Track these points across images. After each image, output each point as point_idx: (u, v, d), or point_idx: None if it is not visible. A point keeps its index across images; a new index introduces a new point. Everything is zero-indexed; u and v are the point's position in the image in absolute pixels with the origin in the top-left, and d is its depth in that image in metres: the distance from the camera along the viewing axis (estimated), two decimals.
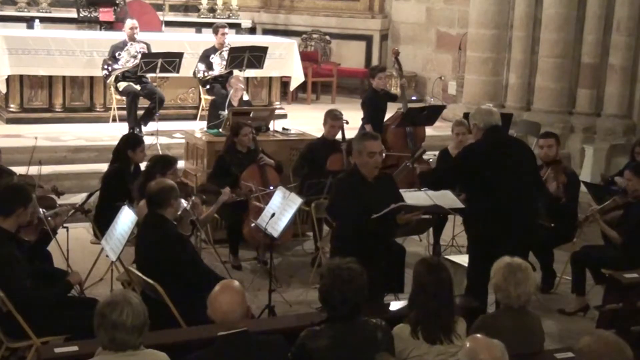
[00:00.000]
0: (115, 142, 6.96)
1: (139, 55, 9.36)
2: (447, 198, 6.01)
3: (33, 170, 6.63)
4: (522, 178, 5.56)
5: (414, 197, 5.91)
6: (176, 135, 9.38)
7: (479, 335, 3.40)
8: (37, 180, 6.46)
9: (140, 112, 9.44)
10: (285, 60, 10.97)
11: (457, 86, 12.16)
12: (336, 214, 5.74)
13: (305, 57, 12.23)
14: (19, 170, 6.60)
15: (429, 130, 9.11)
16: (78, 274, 5.11)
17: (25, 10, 11.45)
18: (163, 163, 6.22)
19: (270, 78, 10.96)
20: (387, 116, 9.09)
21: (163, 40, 10.41)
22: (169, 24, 12.17)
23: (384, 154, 8.01)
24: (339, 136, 7.68)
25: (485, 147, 5.52)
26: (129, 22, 9.74)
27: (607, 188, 7.28)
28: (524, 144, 6.26)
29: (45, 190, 6.60)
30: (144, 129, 9.28)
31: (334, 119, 7.57)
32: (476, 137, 5.63)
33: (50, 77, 9.83)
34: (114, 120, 9.85)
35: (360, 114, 8.90)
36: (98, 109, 10.13)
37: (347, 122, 7.90)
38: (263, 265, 6.93)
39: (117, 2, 11.91)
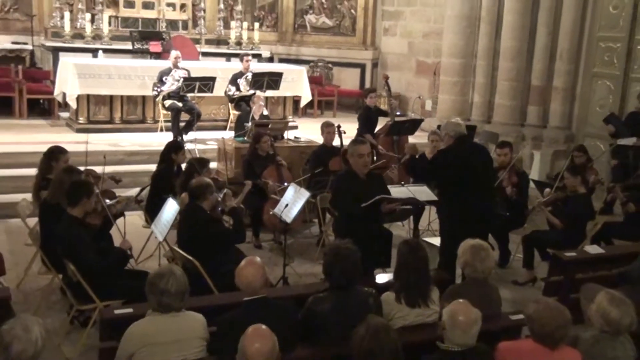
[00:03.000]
0: (163, 148, 6.96)
1: (181, 79, 9.36)
2: (424, 192, 6.00)
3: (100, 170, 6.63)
4: (483, 176, 5.55)
5: (397, 191, 5.91)
6: (210, 142, 9.39)
7: (462, 300, 3.40)
8: (102, 174, 6.47)
9: (182, 124, 9.43)
10: (296, 83, 10.95)
11: (432, 104, 12.14)
12: (336, 205, 5.75)
13: (312, 80, 12.21)
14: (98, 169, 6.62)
15: (410, 139, 9.09)
16: (128, 241, 5.08)
17: (91, 43, 11.45)
18: (199, 164, 6.23)
19: (285, 97, 10.95)
20: (379, 127, 9.11)
21: (200, 67, 10.38)
22: (205, 54, 12.16)
23: (375, 157, 8.13)
24: (337, 143, 7.67)
25: (454, 151, 5.51)
26: (174, 53, 9.74)
27: (550, 184, 7.27)
28: (485, 149, 6.24)
29: (105, 179, 6.58)
30: (185, 137, 9.28)
31: (327, 127, 7.64)
32: (447, 143, 5.60)
33: (111, 96, 9.83)
34: (161, 130, 9.84)
35: (355, 126, 8.92)
36: (149, 122, 10.13)
37: (344, 132, 7.89)
38: (279, 245, 6.93)
39: (164, 37, 11.91)
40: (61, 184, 5.18)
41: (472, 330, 3.23)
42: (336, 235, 5.60)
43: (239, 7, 13.11)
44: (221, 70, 10.30)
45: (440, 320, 3.37)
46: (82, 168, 6.03)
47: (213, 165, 7.86)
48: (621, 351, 3.51)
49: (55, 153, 6.05)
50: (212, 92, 9.50)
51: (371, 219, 5.38)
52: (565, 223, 6.21)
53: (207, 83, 9.31)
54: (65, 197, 4.87)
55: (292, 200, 5.73)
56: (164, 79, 9.48)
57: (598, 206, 7.20)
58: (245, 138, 8.17)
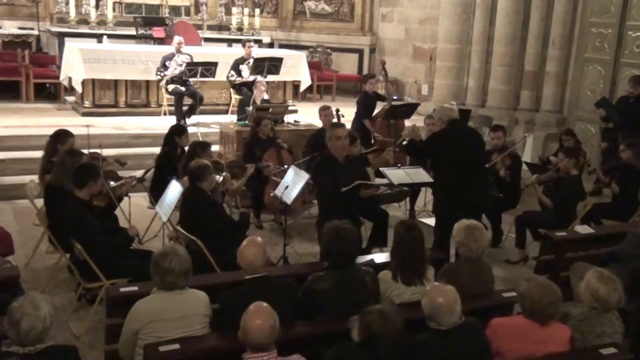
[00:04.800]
0: (166, 131, 6.93)
1: (184, 64, 9.31)
2: (419, 174, 6.01)
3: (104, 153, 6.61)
4: (476, 158, 5.54)
5: (394, 173, 5.91)
6: (213, 125, 9.36)
7: (436, 283, 3.41)
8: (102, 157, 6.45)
9: (184, 108, 9.39)
10: (296, 68, 10.89)
11: (428, 88, 12.09)
12: (317, 186, 5.77)
13: (312, 65, 12.14)
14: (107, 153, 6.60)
15: (407, 122, 9.06)
16: (135, 227, 5.10)
17: (96, 28, 11.36)
18: (200, 147, 6.19)
19: (285, 82, 10.88)
20: (376, 111, 9.07)
21: (202, 53, 10.31)
22: (207, 39, 12.06)
23: (372, 140, 8.12)
24: None
25: (447, 134, 5.48)
26: (176, 39, 9.67)
27: (542, 166, 7.27)
28: (477, 132, 6.23)
29: (110, 162, 6.58)
30: (188, 121, 9.25)
31: (324, 110, 7.65)
32: (440, 127, 5.58)
33: (115, 81, 9.77)
34: (164, 114, 9.80)
35: (353, 110, 8.88)
36: (152, 106, 10.07)
37: (343, 116, 7.85)
38: (279, 225, 6.94)
39: (167, 22, 11.82)
40: (64, 166, 5.17)
41: (456, 309, 3.21)
42: (319, 216, 5.62)
43: None
44: (223, 55, 10.22)
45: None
46: (86, 151, 6.02)
47: (215, 148, 7.83)
48: (609, 327, 3.53)
49: (61, 136, 6.03)
50: (214, 76, 9.45)
51: (351, 203, 5.39)
52: (556, 203, 6.21)
53: (209, 68, 9.26)
54: (72, 179, 4.86)
55: (292, 182, 5.72)
56: (167, 63, 9.42)
57: (588, 188, 7.20)
58: (247, 122, 8.14)
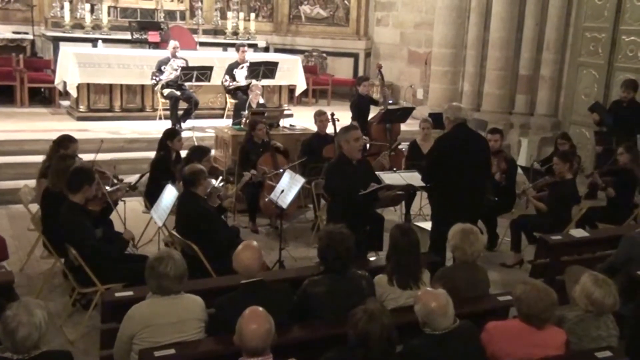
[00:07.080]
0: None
1: (179, 69, 9.31)
2: (415, 178, 5.99)
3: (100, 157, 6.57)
4: (477, 163, 5.48)
5: (390, 177, 5.90)
6: (208, 130, 9.35)
7: (427, 288, 3.41)
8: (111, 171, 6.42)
9: (180, 112, 9.39)
10: (291, 72, 10.90)
11: (423, 92, 12.12)
12: (331, 191, 5.74)
13: (307, 69, 12.16)
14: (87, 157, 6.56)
15: (402, 126, 9.07)
16: (130, 231, 5.08)
17: (91, 33, 11.36)
18: (200, 152, 6.17)
19: (280, 86, 10.90)
20: (371, 115, 9.07)
21: (198, 57, 10.32)
22: (202, 44, 12.09)
23: (368, 145, 8.13)
24: (331, 131, 7.65)
25: (453, 137, 5.43)
26: (172, 43, 9.68)
27: (537, 170, 7.28)
28: (482, 137, 6.12)
29: (107, 177, 6.55)
30: (184, 125, 9.24)
31: (319, 115, 7.60)
32: (447, 128, 5.50)
33: (110, 85, 9.77)
34: (160, 118, 9.80)
35: (348, 114, 8.88)
36: (148, 110, 10.07)
37: (338, 120, 7.85)
38: (275, 230, 6.93)
39: (162, 27, 11.82)
40: (58, 172, 5.15)
41: (449, 311, 3.21)
42: (330, 220, 5.59)
43: None
44: (218, 59, 10.24)
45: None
46: (89, 157, 5.97)
47: (211, 152, 7.81)
48: (604, 330, 3.54)
49: (64, 141, 6.00)
50: (209, 81, 9.46)
51: (366, 205, 5.38)
52: (550, 207, 6.21)
53: (205, 72, 9.27)
54: (67, 184, 4.84)
55: (288, 186, 5.71)
56: (162, 68, 9.42)
57: (582, 192, 7.21)
58: (242, 126, 8.13)
